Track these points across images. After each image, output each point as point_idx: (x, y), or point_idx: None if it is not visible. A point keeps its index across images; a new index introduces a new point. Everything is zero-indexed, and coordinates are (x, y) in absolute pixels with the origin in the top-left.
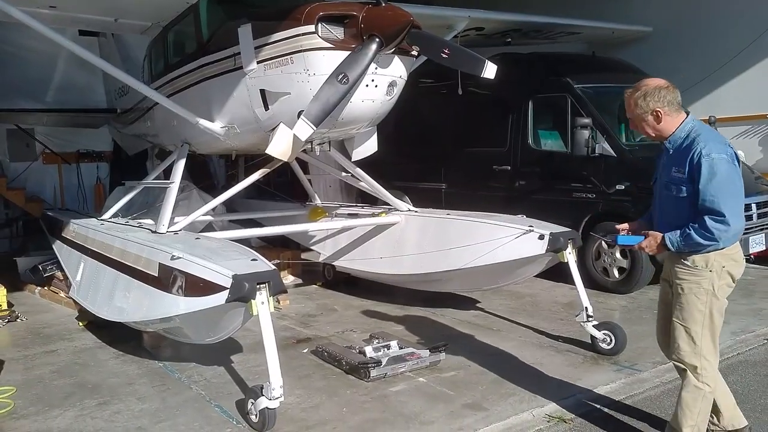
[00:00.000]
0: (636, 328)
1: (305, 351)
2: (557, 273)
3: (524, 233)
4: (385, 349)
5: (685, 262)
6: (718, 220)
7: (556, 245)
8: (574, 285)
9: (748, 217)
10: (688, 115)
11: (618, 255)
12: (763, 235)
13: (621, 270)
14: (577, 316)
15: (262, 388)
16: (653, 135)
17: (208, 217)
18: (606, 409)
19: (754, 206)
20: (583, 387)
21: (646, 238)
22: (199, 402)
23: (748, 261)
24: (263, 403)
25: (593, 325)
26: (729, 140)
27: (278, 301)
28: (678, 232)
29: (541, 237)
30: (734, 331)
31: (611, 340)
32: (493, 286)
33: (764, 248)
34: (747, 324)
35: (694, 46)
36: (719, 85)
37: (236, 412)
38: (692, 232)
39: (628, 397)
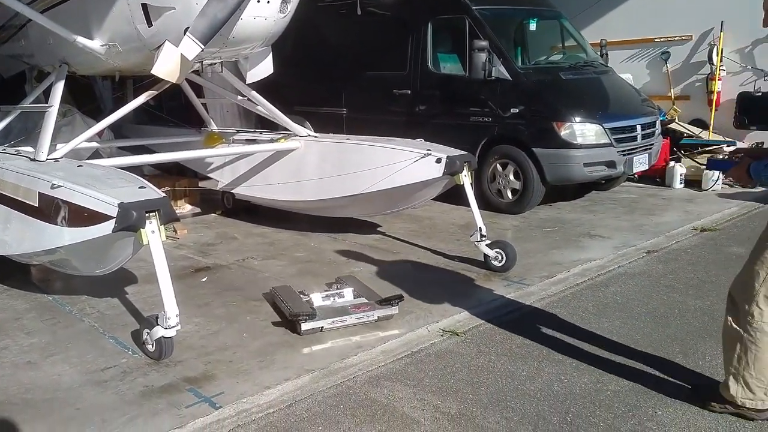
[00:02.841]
0: (526, 245)
1: (204, 280)
2: (455, 197)
3: (422, 157)
4: (336, 297)
5: None
6: None
7: (452, 168)
8: (470, 207)
9: (633, 138)
10: None
11: (511, 177)
12: (647, 155)
13: (514, 192)
14: (471, 236)
15: (157, 317)
16: None
17: (94, 144)
18: (495, 321)
19: (639, 127)
20: (476, 302)
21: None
22: (92, 334)
23: (631, 180)
24: (159, 332)
25: (486, 244)
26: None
27: (174, 231)
28: (765, 160)
29: (438, 160)
30: (616, 246)
31: (502, 258)
32: (393, 211)
33: (647, 167)
34: (628, 239)
35: None
36: (609, 10)
37: (132, 343)
38: None
39: (517, 309)
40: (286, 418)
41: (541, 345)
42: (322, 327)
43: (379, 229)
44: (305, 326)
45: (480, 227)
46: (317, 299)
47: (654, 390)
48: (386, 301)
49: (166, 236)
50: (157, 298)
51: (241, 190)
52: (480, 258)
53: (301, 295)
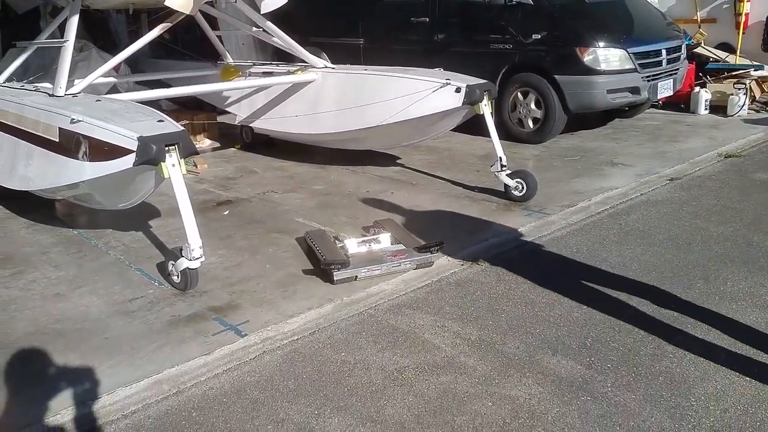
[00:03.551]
0: (547, 175)
1: (226, 213)
2: (475, 127)
3: (441, 87)
4: (372, 243)
5: None
6: None
7: (472, 97)
8: (490, 137)
9: (658, 63)
10: None
11: (533, 106)
12: (672, 80)
13: (535, 121)
14: (491, 166)
15: (181, 249)
16: None
17: (112, 79)
18: (516, 251)
19: (663, 52)
20: (496, 232)
21: None
22: (119, 266)
23: (655, 106)
24: (184, 263)
25: (507, 175)
26: None
27: (195, 165)
28: None
29: (458, 90)
30: (639, 173)
31: (523, 188)
32: (412, 142)
33: (672, 93)
34: (651, 166)
35: None
36: None
37: (158, 274)
38: None
39: (537, 238)
40: (309, 345)
41: (561, 273)
42: (356, 276)
43: (398, 161)
44: (338, 275)
45: (500, 157)
46: (352, 245)
47: (675, 313)
48: (425, 248)
49: (187, 170)
50: (180, 231)
51: (259, 124)
52: (500, 188)
53: (336, 241)
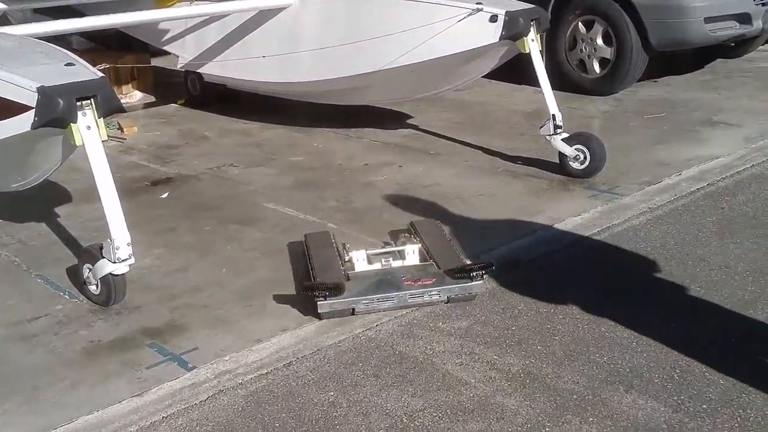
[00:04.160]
0: (619, 139)
1: (164, 196)
2: (517, 72)
3: (470, 14)
4: (392, 258)
5: None
6: None
7: (513, 29)
8: (539, 86)
9: None
10: None
11: (599, 41)
12: None
13: (603, 63)
14: (541, 128)
15: (101, 248)
16: None
17: (1, 5)
18: (575, 247)
19: None
20: (547, 220)
21: None
22: (12, 273)
23: None
24: (105, 267)
25: (563, 139)
26: None
27: (120, 128)
28: None
29: (494, 18)
30: (749, 137)
31: (585, 158)
32: (428, 94)
33: None
34: (767, 127)
35: None
36: None
37: (68, 284)
38: None
39: (605, 229)
40: (284, 381)
41: (639, 278)
42: (353, 309)
43: (409, 121)
44: (324, 306)
45: (553, 114)
46: (361, 259)
47: None
48: (463, 272)
49: (109, 136)
50: (100, 221)
51: (211, 69)
52: (554, 158)
53: (344, 251)
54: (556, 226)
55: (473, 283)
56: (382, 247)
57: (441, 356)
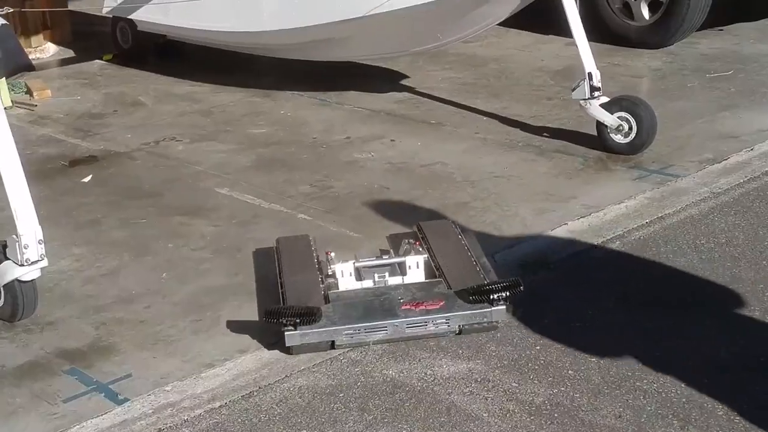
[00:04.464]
0: (674, 105)
1: (87, 180)
2: (542, 19)
3: None
4: (387, 273)
5: None
6: None
7: None
8: (571, 37)
9: None
10: None
11: None
12: None
13: (654, 6)
14: (574, 90)
15: (5, 246)
16: None
17: None
18: (615, 243)
19: None
20: (581, 208)
21: None
22: None
23: None
24: (10, 272)
25: (601, 105)
26: None
27: (29, 92)
28: None
29: None
30: None
31: (631, 128)
32: (427, 47)
33: None
34: None
35: None
36: None
37: None
38: None
39: (655, 220)
40: (243, 418)
41: (699, 284)
42: (332, 342)
43: (403, 82)
44: (294, 338)
45: (590, 74)
46: (347, 273)
47: None
48: (482, 293)
49: (14, 101)
50: (2, 213)
51: (147, 15)
52: (590, 130)
53: (327, 261)
54: (592, 216)
55: (494, 308)
56: (377, 257)
57: (444, 384)
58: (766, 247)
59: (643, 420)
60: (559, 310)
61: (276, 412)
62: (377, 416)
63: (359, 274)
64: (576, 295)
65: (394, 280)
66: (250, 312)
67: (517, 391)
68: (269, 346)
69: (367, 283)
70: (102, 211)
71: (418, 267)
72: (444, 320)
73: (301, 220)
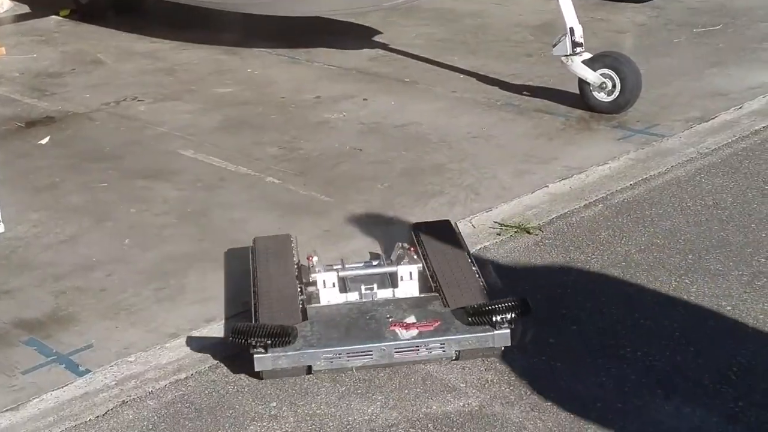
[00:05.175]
0: (659, 61)
1: (44, 142)
2: None
3: None
4: (376, 285)
5: None
6: None
7: None
8: None
9: None
10: None
11: None
12: None
13: None
14: (555, 46)
15: None
16: None
17: None
18: (600, 205)
19: None
20: (563, 172)
21: None
22: None
23: None
24: None
25: (583, 61)
26: None
27: None
28: None
29: None
30: None
31: (614, 86)
32: (400, 0)
33: None
34: None
35: None
36: None
37: None
38: None
39: (640, 182)
40: (210, 389)
41: (685, 247)
42: (309, 367)
43: (376, 38)
44: (264, 362)
45: (571, 29)
46: (329, 284)
47: None
48: (483, 313)
49: None
50: None
51: None
52: (572, 87)
53: (309, 266)
54: (574, 178)
55: (497, 332)
56: (365, 263)
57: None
58: (755, 210)
59: (626, 389)
60: (539, 273)
61: (244, 384)
62: (350, 387)
63: (344, 285)
64: (558, 258)
65: (384, 293)
66: (216, 279)
67: (496, 361)
68: (237, 315)
69: (353, 296)
70: (60, 174)
71: (411, 278)
72: (439, 344)
73: (269, 183)
